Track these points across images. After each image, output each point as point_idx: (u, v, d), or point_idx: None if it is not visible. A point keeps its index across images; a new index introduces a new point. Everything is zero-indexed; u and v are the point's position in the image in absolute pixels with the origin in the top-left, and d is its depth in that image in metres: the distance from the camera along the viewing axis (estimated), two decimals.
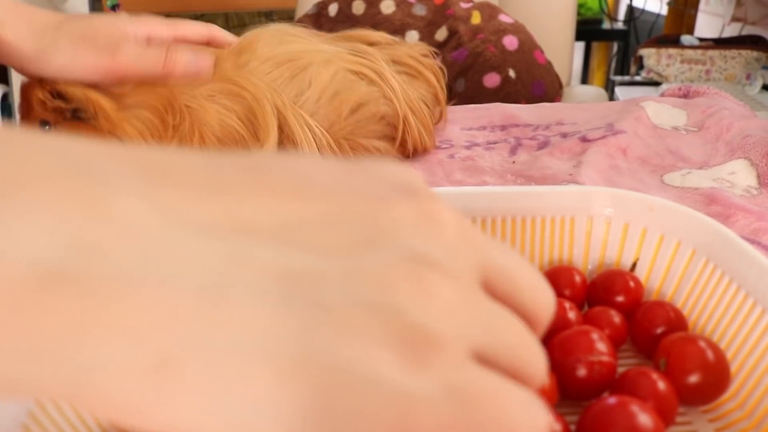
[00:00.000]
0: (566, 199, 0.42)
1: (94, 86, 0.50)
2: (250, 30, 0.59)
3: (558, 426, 0.29)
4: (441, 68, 0.67)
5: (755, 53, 1.42)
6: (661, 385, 0.31)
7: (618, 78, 1.68)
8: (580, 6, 2.01)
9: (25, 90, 0.52)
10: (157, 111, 0.52)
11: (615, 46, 2.22)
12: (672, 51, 1.45)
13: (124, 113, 0.51)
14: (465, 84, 1.10)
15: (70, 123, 0.51)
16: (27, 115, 0.52)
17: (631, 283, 0.40)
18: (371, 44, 0.63)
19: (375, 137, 0.61)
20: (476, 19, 1.14)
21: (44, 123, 0.52)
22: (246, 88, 0.54)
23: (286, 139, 0.55)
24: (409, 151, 0.64)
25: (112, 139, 0.50)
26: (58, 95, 0.50)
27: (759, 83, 1.37)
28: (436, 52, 0.67)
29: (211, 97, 0.53)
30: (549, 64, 1.19)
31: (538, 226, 0.42)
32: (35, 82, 0.51)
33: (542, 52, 1.18)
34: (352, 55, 0.60)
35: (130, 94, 0.51)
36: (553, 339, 0.34)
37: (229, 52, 0.56)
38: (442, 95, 0.67)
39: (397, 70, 0.62)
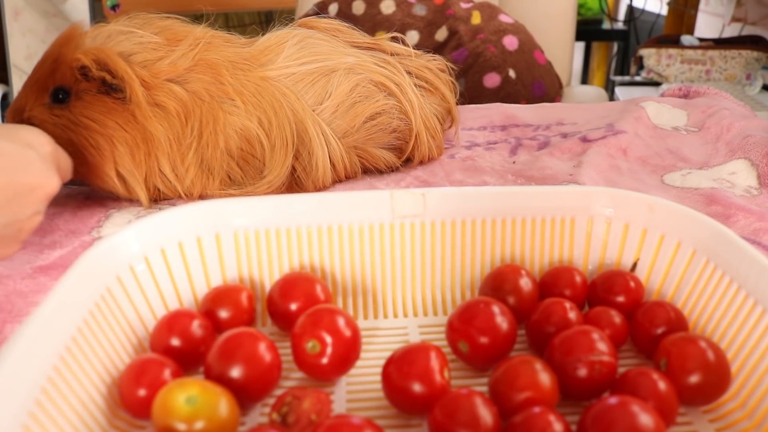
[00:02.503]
0: (566, 199, 0.42)
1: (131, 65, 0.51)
2: (274, 31, 0.59)
3: (560, 426, 0.29)
4: (454, 83, 0.67)
5: (755, 53, 1.42)
6: (662, 385, 0.31)
7: (618, 78, 1.68)
8: (580, 6, 2.01)
9: (59, 51, 0.52)
10: (181, 115, 0.52)
11: (615, 46, 2.22)
12: (672, 51, 1.45)
13: (154, 109, 0.52)
14: (465, 84, 1.10)
15: (97, 96, 0.52)
16: (46, 77, 0.52)
17: (632, 284, 0.40)
18: (392, 54, 0.63)
19: (384, 147, 0.61)
20: (476, 19, 1.14)
21: (60, 90, 0.52)
22: (268, 92, 0.54)
23: (301, 146, 0.55)
24: (415, 162, 0.64)
25: (133, 121, 0.51)
26: (105, 67, 0.50)
27: (759, 83, 1.37)
28: (452, 68, 0.68)
29: (232, 101, 0.53)
30: (549, 64, 1.19)
31: (538, 226, 0.42)
32: (77, 47, 0.52)
33: (542, 52, 1.18)
34: (376, 65, 0.60)
35: (161, 89, 0.52)
36: (553, 339, 0.34)
37: (255, 54, 0.56)
38: (455, 110, 0.68)
39: (415, 83, 0.63)
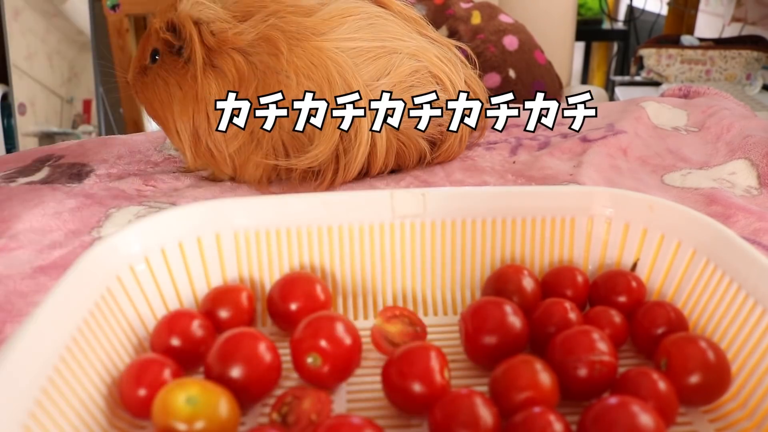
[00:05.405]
0: (566, 199, 0.42)
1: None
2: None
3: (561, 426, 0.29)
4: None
5: (755, 53, 1.42)
6: (662, 385, 0.31)
7: (618, 78, 1.68)
8: (580, 6, 2.01)
9: (152, 18, 0.57)
10: (236, 80, 0.54)
11: (615, 46, 2.22)
12: (672, 51, 1.45)
13: (211, 70, 0.55)
14: None
15: (171, 57, 0.57)
16: (144, 40, 0.58)
17: (633, 284, 0.40)
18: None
19: (423, 138, 0.61)
20: (476, 19, 1.14)
21: (155, 52, 0.57)
22: (323, 64, 0.54)
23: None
24: (433, 162, 0.64)
25: (190, 81, 0.55)
26: (173, 28, 0.54)
27: (759, 83, 1.37)
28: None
29: (285, 72, 0.54)
30: (549, 64, 1.19)
31: (538, 226, 0.42)
32: (164, 11, 0.56)
33: (542, 52, 1.18)
34: (438, 59, 0.60)
35: (223, 55, 0.54)
36: (554, 339, 0.34)
37: (316, 23, 0.56)
38: (485, 127, 0.69)
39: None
